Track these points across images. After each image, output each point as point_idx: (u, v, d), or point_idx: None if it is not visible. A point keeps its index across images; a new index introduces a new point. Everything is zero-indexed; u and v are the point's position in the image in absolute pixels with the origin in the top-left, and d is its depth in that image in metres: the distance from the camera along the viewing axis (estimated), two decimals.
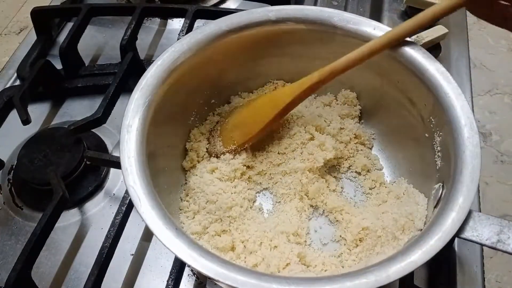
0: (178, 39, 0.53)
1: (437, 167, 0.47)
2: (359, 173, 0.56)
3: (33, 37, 0.74)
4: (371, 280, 0.34)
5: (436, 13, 0.45)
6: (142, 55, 0.69)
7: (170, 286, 0.46)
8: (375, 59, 0.48)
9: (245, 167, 0.55)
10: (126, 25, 0.67)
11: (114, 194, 0.58)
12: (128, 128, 0.44)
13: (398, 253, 0.37)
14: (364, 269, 0.35)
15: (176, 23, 0.78)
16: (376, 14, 0.75)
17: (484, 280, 0.51)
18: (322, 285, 0.35)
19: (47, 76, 0.64)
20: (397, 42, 0.47)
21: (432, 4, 0.68)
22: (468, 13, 0.75)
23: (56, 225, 0.50)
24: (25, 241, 0.47)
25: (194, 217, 0.51)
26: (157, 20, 0.78)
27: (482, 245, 0.38)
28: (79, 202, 0.57)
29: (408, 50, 0.48)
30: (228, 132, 0.56)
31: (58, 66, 0.67)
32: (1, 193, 0.59)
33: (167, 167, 0.51)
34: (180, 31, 0.67)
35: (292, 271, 0.45)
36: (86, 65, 0.70)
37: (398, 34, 0.47)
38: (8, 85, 0.69)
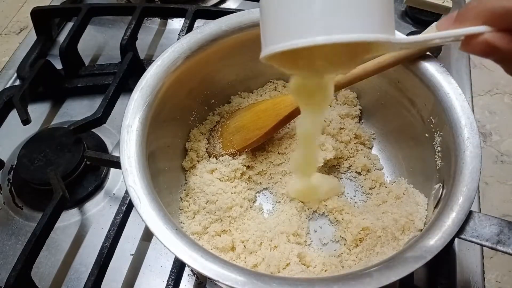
0: (178, 39, 0.53)
1: (437, 167, 0.47)
2: (359, 173, 0.56)
3: (33, 37, 0.74)
4: (372, 280, 0.34)
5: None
6: (142, 55, 0.69)
7: (170, 286, 0.46)
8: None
9: (245, 167, 0.55)
10: (126, 25, 0.67)
11: (114, 194, 0.58)
12: (128, 128, 0.44)
13: (398, 254, 0.37)
14: (364, 269, 0.35)
15: (176, 23, 0.78)
16: None
17: (484, 280, 0.51)
18: (322, 285, 0.35)
19: (47, 76, 0.64)
20: (404, 62, 0.47)
21: (432, 4, 0.69)
22: None
23: (56, 225, 0.50)
24: (25, 241, 0.47)
25: (194, 217, 0.51)
26: (157, 20, 0.78)
27: (482, 245, 0.38)
28: (79, 202, 0.57)
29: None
30: (228, 135, 0.56)
31: (58, 66, 0.67)
32: (1, 193, 0.59)
33: (167, 167, 0.51)
34: (180, 31, 0.67)
35: (292, 271, 0.45)
36: (86, 65, 0.70)
37: (407, 54, 0.46)
38: (8, 85, 0.69)
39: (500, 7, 0.25)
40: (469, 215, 0.38)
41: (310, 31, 0.25)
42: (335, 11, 0.25)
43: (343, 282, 0.35)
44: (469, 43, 0.28)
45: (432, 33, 0.30)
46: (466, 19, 0.27)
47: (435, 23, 0.63)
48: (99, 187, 0.58)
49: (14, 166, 0.60)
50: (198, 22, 0.71)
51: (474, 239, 0.38)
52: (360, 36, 0.25)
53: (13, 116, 0.59)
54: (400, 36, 0.28)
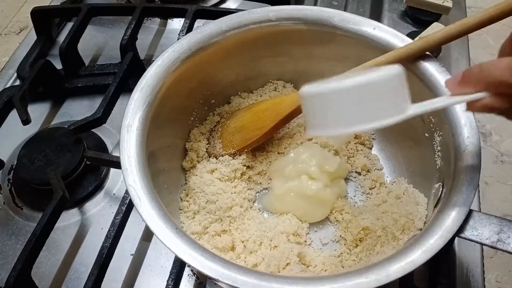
0: (178, 39, 0.53)
1: (437, 167, 0.47)
2: (359, 173, 0.56)
3: (33, 37, 0.74)
4: (371, 280, 0.34)
5: (446, 37, 0.44)
6: (142, 55, 0.69)
7: (170, 286, 0.46)
8: None
9: (245, 167, 0.55)
10: (126, 25, 0.67)
11: (114, 194, 0.58)
12: (128, 128, 0.44)
13: (398, 253, 0.37)
14: (364, 268, 0.35)
15: (176, 23, 0.78)
16: (376, 14, 0.75)
17: (484, 280, 0.51)
18: (322, 284, 0.35)
19: (47, 76, 0.64)
20: (404, 61, 0.46)
21: (432, 4, 0.69)
22: (468, 12, 0.75)
23: (56, 225, 0.50)
24: (25, 241, 0.47)
25: (194, 217, 0.51)
26: (157, 20, 0.78)
27: (482, 244, 0.38)
28: (79, 202, 0.57)
29: None
30: (228, 135, 0.56)
31: (58, 66, 0.67)
32: (1, 193, 0.59)
33: (167, 167, 0.51)
34: (180, 31, 0.67)
35: (292, 271, 0.45)
36: (86, 65, 0.70)
37: (407, 54, 0.46)
38: (8, 85, 0.69)
39: (495, 79, 0.32)
40: (469, 214, 0.38)
41: (349, 123, 0.35)
42: (366, 111, 0.34)
43: (343, 281, 0.35)
44: (472, 105, 0.34)
45: (441, 99, 0.37)
46: (469, 83, 0.34)
47: (435, 23, 0.64)
48: (99, 187, 0.58)
49: (14, 166, 0.60)
50: (198, 22, 0.71)
51: (474, 238, 0.38)
52: (383, 123, 0.34)
53: (13, 116, 0.59)
54: (409, 111, 0.35)
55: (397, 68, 0.34)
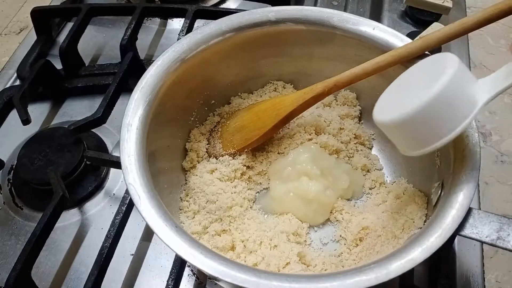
0: (178, 39, 0.53)
1: (437, 166, 0.47)
2: None
3: (33, 37, 0.74)
4: (371, 277, 0.34)
5: (445, 36, 0.44)
6: (142, 55, 0.69)
7: (170, 286, 0.46)
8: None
9: (245, 167, 0.55)
10: (126, 25, 0.67)
11: (114, 194, 0.58)
12: (128, 127, 0.44)
13: (397, 251, 0.37)
14: (364, 266, 0.35)
15: (176, 23, 0.78)
16: (376, 14, 0.75)
17: (484, 280, 0.51)
18: (322, 282, 0.35)
19: (47, 76, 0.64)
20: (403, 61, 0.47)
21: (432, 4, 0.69)
22: (468, 12, 0.75)
23: (56, 225, 0.50)
24: (25, 241, 0.47)
25: (194, 217, 0.51)
26: (157, 20, 0.79)
27: (482, 242, 0.38)
28: (79, 202, 0.57)
29: None
30: (228, 135, 0.56)
31: (58, 66, 0.67)
32: (1, 193, 0.59)
33: (167, 167, 0.51)
34: (180, 31, 0.67)
35: (292, 270, 0.45)
36: (86, 65, 0.70)
37: (406, 53, 0.46)
38: (8, 85, 0.69)
39: None
40: (468, 212, 0.38)
41: (435, 138, 0.38)
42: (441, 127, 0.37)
43: (343, 279, 0.35)
44: None
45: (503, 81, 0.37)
46: None
47: (435, 23, 0.64)
48: (99, 187, 0.58)
49: (14, 166, 0.60)
50: (198, 22, 0.71)
51: (473, 236, 0.37)
52: (458, 131, 0.37)
53: (13, 116, 0.60)
54: (484, 94, 0.37)
55: (452, 57, 0.36)
